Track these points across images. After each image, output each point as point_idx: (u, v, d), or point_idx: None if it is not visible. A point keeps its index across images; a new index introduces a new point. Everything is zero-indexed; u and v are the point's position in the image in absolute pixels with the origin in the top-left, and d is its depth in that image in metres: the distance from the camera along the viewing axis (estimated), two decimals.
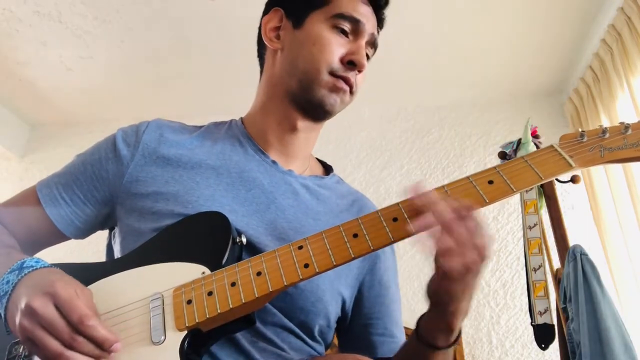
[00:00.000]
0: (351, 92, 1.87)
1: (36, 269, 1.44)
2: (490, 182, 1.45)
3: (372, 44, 1.95)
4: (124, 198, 1.78)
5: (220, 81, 5.52)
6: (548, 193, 3.61)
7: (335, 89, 1.82)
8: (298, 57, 1.87)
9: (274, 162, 1.90)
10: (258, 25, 2.05)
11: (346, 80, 1.83)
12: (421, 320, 1.57)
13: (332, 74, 1.81)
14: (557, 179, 3.55)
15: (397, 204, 1.47)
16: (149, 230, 1.65)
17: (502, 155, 3.70)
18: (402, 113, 5.86)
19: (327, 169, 2.16)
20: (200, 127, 2.03)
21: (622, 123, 1.48)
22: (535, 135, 3.60)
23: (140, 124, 1.92)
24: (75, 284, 1.40)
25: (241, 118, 2.07)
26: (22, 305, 1.31)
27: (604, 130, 1.47)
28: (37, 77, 5.49)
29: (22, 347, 1.42)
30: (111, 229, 1.92)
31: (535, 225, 3.46)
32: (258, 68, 2.09)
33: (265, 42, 1.98)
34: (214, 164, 1.83)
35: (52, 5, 4.56)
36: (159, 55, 5.21)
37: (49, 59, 5.21)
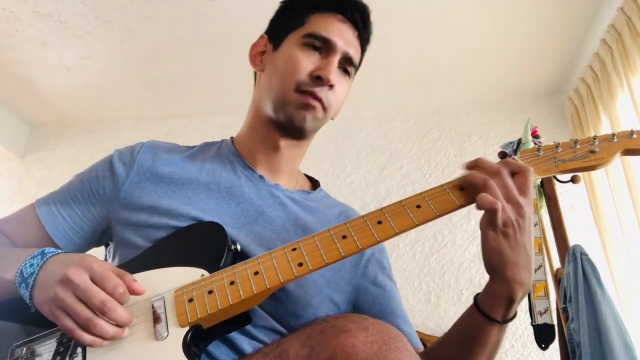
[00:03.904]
0: (324, 109, 1.91)
1: (58, 253, 1.53)
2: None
3: (349, 61, 1.98)
4: (120, 213, 1.83)
5: (221, 82, 5.53)
6: (548, 193, 3.61)
7: (303, 106, 1.88)
8: (272, 77, 1.96)
9: (261, 177, 1.97)
10: (255, 26, 2.15)
11: (313, 95, 1.87)
12: (480, 294, 1.60)
13: (299, 90, 1.87)
14: (557, 179, 3.56)
15: (381, 209, 1.57)
16: (144, 242, 1.71)
17: (502, 156, 3.70)
18: (402, 113, 5.87)
19: (315, 184, 2.21)
20: (193, 147, 2.11)
21: (572, 139, 1.68)
22: (535, 136, 3.60)
23: (135, 144, 2.00)
24: (101, 261, 1.48)
25: (231, 137, 2.15)
26: (58, 276, 1.39)
27: (557, 145, 1.68)
28: (37, 77, 5.49)
29: (24, 348, 1.46)
30: (106, 246, 1.95)
31: (535, 225, 3.45)
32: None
33: (250, 65, 2.09)
34: (205, 180, 1.90)
35: (52, 5, 4.57)
36: (159, 55, 5.22)
37: (49, 59, 5.22)
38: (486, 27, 4.86)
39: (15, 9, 4.59)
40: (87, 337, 1.35)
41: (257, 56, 2.09)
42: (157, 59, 5.27)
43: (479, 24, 4.83)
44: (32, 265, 1.48)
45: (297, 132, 1.94)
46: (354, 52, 1.99)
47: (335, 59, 1.92)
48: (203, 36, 4.96)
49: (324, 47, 1.92)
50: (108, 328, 1.35)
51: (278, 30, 2.04)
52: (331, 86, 1.89)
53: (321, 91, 1.87)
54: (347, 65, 1.98)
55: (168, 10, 4.65)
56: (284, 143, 1.99)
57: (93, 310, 1.35)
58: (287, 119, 1.89)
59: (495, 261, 1.50)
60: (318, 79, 1.86)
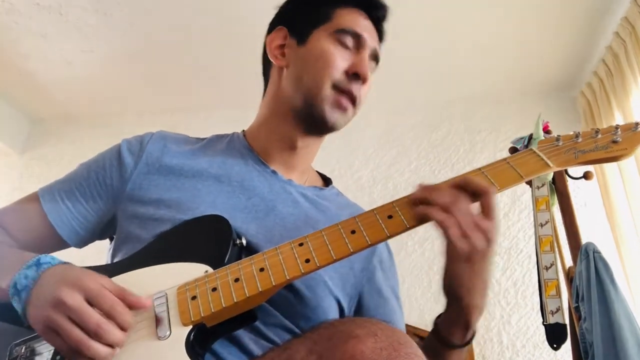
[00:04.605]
0: (355, 105, 1.93)
1: (53, 265, 1.49)
2: None
3: (375, 57, 2.01)
4: (126, 205, 1.81)
5: (224, 75, 5.50)
6: (560, 189, 3.60)
7: (338, 105, 1.88)
8: (303, 73, 1.93)
9: (273, 172, 1.96)
10: (262, 18, 2.13)
11: (349, 94, 1.89)
12: (438, 319, 1.66)
13: (336, 87, 1.87)
14: (569, 175, 3.54)
15: (391, 203, 1.56)
16: (149, 236, 1.69)
17: (513, 151, 3.68)
18: (410, 108, 5.85)
19: (327, 181, 2.21)
20: (203, 139, 2.10)
21: (592, 129, 1.64)
22: (546, 131, 3.59)
23: (144, 134, 1.99)
24: (100, 276, 1.44)
25: (243, 131, 2.14)
26: (50, 297, 1.35)
27: (577, 135, 1.66)
28: (37, 71, 5.49)
29: (23, 347, 1.46)
30: (111, 239, 1.94)
31: (547, 222, 3.44)
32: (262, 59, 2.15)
33: (271, 59, 2.05)
34: (215, 173, 1.88)
35: None
36: (162, 48, 5.21)
37: (50, 52, 5.21)
38: (497, 20, 4.83)
39: (15, 1, 4.58)
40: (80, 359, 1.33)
41: (277, 49, 2.06)
42: (160, 52, 5.26)
43: (489, 17, 4.80)
44: (26, 277, 1.44)
45: (325, 130, 1.95)
46: (379, 48, 2.02)
47: (367, 55, 1.94)
48: (207, 28, 4.95)
49: (355, 43, 1.93)
50: (101, 350, 1.32)
51: (300, 23, 2.02)
52: (364, 82, 1.91)
53: (357, 89, 1.89)
54: (372, 61, 2.00)
55: (170, 3, 4.64)
56: (301, 143, 1.98)
57: (88, 332, 1.32)
58: (319, 116, 1.89)
59: (453, 288, 1.54)
60: (354, 76, 1.88)
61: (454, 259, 1.50)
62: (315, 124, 1.92)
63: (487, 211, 1.49)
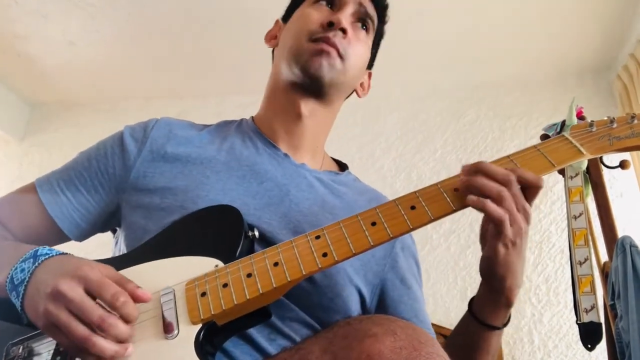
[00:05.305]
0: (340, 57, 1.93)
1: (51, 256, 1.48)
2: None
3: (364, 13, 2.04)
4: (130, 194, 1.81)
5: (238, 58, 5.50)
6: (595, 179, 3.59)
7: (316, 52, 1.89)
8: (286, 41, 2.00)
9: (286, 155, 1.97)
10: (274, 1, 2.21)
11: (326, 41, 1.90)
12: (476, 303, 1.68)
13: (312, 39, 1.91)
14: (604, 164, 3.53)
15: (414, 192, 1.55)
16: (155, 227, 1.68)
17: (545, 138, 3.67)
18: (436, 92, 5.83)
19: (342, 167, 2.21)
20: (210, 125, 2.11)
21: (628, 114, 1.62)
22: (580, 117, 3.58)
23: (148, 120, 1.99)
24: (101, 266, 1.43)
25: (251, 117, 2.16)
26: (48, 289, 1.33)
27: (612, 120, 1.64)
28: (38, 53, 5.49)
29: (20, 347, 1.45)
30: (114, 232, 1.95)
31: (580, 214, 3.44)
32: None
33: (267, 45, 2.18)
34: (224, 159, 1.89)
35: None
36: (170, 29, 5.20)
37: (51, 32, 5.21)
38: (527, 0, 4.83)
39: None
40: (86, 356, 1.32)
41: (272, 38, 2.17)
42: (168, 32, 5.25)
43: None
44: (22, 270, 1.44)
45: (314, 84, 1.93)
46: (369, 5, 2.05)
47: (348, 8, 1.98)
48: (219, 9, 4.94)
49: (335, 2, 2.00)
50: (108, 346, 1.30)
51: (289, 8, 2.14)
52: (344, 31, 1.92)
53: (335, 36, 1.90)
54: (364, 16, 2.03)
55: None
56: (305, 108, 1.98)
57: (91, 327, 1.30)
58: (302, 71, 1.90)
59: (500, 272, 1.54)
60: (329, 25, 1.90)
61: (495, 241, 1.50)
62: (302, 80, 1.93)
63: (531, 198, 1.53)
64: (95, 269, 1.39)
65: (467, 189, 1.50)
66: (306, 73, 1.90)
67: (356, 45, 1.98)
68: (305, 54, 1.89)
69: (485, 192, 1.47)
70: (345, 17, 1.94)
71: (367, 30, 2.06)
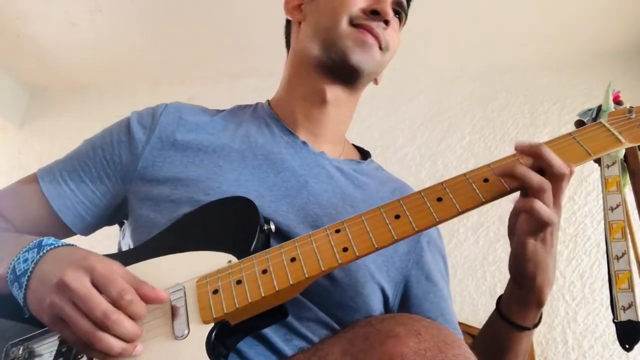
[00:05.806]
0: (381, 48, 1.92)
1: (57, 246, 1.47)
2: None
3: (400, 4, 2.02)
4: (138, 185, 1.81)
5: (252, 39, 5.46)
6: (633, 169, 3.55)
7: (359, 42, 1.88)
8: (319, 17, 1.96)
9: (304, 143, 1.95)
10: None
11: (370, 31, 1.88)
12: (505, 302, 1.67)
13: (354, 24, 1.88)
14: None
15: (441, 183, 1.53)
16: (165, 220, 1.68)
17: (580, 125, 3.63)
18: (463, 76, 5.79)
19: (365, 155, 2.20)
20: (223, 110, 2.09)
21: None
22: (617, 102, 3.54)
23: (157, 105, 1.98)
24: (111, 261, 1.42)
25: (267, 100, 2.14)
26: (54, 279, 1.33)
27: None
28: (38, 34, 5.48)
29: (20, 348, 1.44)
30: (121, 225, 1.93)
31: (618, 206, 3.40)
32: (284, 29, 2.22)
33: (288, 17, 2.12)
34: (238, 147, 1.88)
35: None
36: (179, 7, 5.16)
37: (52, 12, 5.19)
38: None
39: None
40: (92, 353, 1.32)
41: (294, 8, 2.10)
42: (177, 11, 5.21)
43: None
44: (26, 260, 1.43)
45: (351, 74, 1.93)
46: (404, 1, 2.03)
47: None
48: None
49: None
50: (115, 343, 1.30)
51: None
52: (387, 22, 1.91)
53: (378, 27, 1.89)
54: (398, 7, 2.01)
55: None
56: (331, 94, 1.97)
57: (94, 322, 1.30)
58: (340, 57, 1.89)
59: (531, 270, 1.53)
60: (373, 13, 1.88)
61: (526, 237, 1.49)
62: (339, 67, 1.92)
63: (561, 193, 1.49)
64: (105, 263, 1.38)
65: (504, 173, 1.49)
66: (346, 61, 1.89)
67: (394, 36, 1.98)
68: (346, 39, 1.87)
69: (525, 182, 1.44)
70: (387, 3, 1.91)
71: (400, 18, 2.05)
